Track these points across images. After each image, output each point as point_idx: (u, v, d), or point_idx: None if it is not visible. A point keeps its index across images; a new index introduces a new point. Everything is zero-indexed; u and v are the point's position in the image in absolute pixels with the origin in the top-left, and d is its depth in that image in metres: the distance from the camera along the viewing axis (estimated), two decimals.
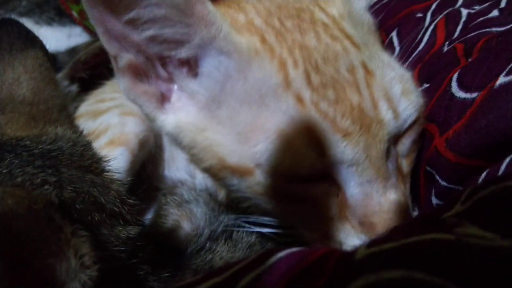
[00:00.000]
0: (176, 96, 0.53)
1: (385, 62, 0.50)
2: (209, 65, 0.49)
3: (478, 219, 0.29)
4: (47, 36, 1.19)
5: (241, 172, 0.49)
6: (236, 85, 0.48)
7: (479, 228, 0.28)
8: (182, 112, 0.52)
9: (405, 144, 0.50)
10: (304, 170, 0.46)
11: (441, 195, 0.49)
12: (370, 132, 0.46)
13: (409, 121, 0.48)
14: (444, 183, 0.48)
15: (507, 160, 0.38)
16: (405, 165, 0.51)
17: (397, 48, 0.69)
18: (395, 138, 0.49)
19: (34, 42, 0.55)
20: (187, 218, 0.64)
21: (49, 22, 1.22)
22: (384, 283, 0.25)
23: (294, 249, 0.32)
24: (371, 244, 0.30)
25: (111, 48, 0.50)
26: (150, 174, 0.78)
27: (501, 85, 0.43)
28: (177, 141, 0.54)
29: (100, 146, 0.73)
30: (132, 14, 0.46)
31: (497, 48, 0.49)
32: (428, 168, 0.50)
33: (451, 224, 0.30)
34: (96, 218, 0.43)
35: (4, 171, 0.41)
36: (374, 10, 0.82)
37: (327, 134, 0.45)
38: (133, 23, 0.47)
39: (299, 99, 0.46)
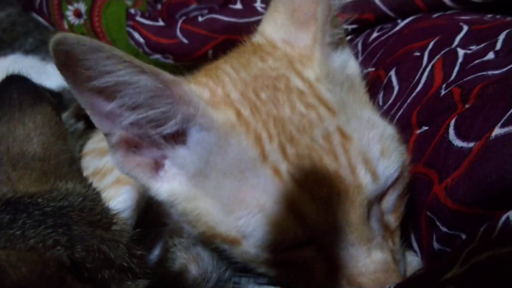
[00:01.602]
0: (169, 164, 0.54)
1: (364, 122, 0.50)
2: (194, 139, 0.51)
3: (473, 286, 0.30)
4: (53, 72, 1.21)
5: (230, 241, 0.51)
6: (217, 159, 0.50)
7: None
8: (174, 181, 0.54)
9: (389, 201, 0.51)
10: (289, 239, 0.48)
11: (442, 240, 0.50)
12: (348, 198, 0.46)
13: (390, 181, 0.49)
14: (445, 229, 0.49)
15: (504, 217, 0.39)
16: (392, 220, 0.52)
17: (396, 88, 0.70)
18: (377, 198, 0.50)
19: (43, 97, 0.57)
20: (195, 262, 0.65)
21: None
22: None
23: None
24: None
25: (103, 127, 0.52)
26: (156, 210, 0.79)
27: (496, 137, 0.44)
28: (171, 208, 0.56)
29: (107, 185, 0.75)
30: (117, 102, 0.49)
31: (493, 97, 0.50)
32: (429, 213, 0.51)
33: None
34: (106, 275, 0.44)
35: (18, 232, 0.42)
36: (373, 47, 0.84)
37: (306, 204, 0.46)
38: (120, 108, 0.50)
39: (276, 172, 0.47)
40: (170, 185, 0.54)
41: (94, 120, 0.52)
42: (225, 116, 0.50)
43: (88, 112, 0.51)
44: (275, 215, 0.47)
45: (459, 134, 0.50)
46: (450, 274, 0.33)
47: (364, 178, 0.47)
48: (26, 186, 0.51)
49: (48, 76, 1.18)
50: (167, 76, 0.48)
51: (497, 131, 0.45)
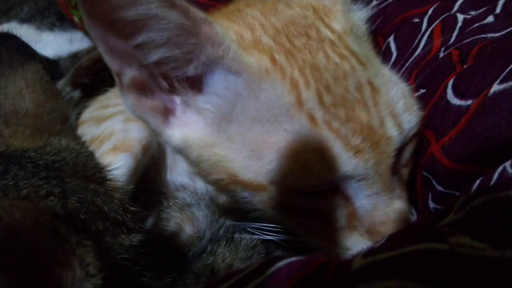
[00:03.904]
0: (181, 110, 0.53)
1: (387, 77, 0.51)
2: (216, 83, 0.50)
3: (470, 229, 0.30)
4: (48, 41, 1.20)
5: (254, 188, 0.50)
6: (246, 104, 0.49)
7: (470, 238, 0.29)
8: (188, 127, 0.53)
9: (406, 154, 0.52)
10: (316, 186, 0.48)
11: (437, 199, 0.50)
12: (379, 148, 0.47)
13: (411, 134, 0.50)
14: (440, 188, 0.49)
15: (500, 169, 0.39)
16: (405, 173, 0.53)
17: (395, 53, 0.70)
18: (399, 151, 0.50)
19: (33, 55, 0.56)
20: (189, 221, 0.65)
21: (51, 27, 1.23)
22: None
23: (293, 258, 0.33)
24: (367, 253, 0.31)
25: (114, 64, 0.50)
26: (153, 179, 0.79)
27: (495, 93, 0.44)
28: (184, 155, 0.54)
29: (104, 152, 0.74)
30: (138, 40, 0.47)
31: (491, 55, 0.49)
32: (424, 173, 0.51)
33: (445, 233, 0.31)
34: (100, 227, 0.44)
35: (10, 183, 0.42)
36: (371, 15, 0.83)
37: (339, 151, 0.46)
38: (139, 47, 0.47)
39: (312, 119, 0.47)
40: (183, 131, 0.53)
41: (106, 57, 0.49)
42: (259, 60, 0.48)
43: (100, 48, 0.48)
44: (307, 161, 0.46)
45: (457, 93, 0.50)
46: (446, 221, 0.33)
47: (393, 130, 0.48)
48: (19, 142, 0.50)
49: (44, 45, 1.17)
50: (198, 13, 0.46)
51: (496, 87, 0.44)
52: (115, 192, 0.49)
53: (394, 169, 0.50)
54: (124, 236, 0.46)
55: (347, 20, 0.53)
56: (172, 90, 0.52)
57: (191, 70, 0.49)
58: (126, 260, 0.46)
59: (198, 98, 0.52)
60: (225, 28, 0.51)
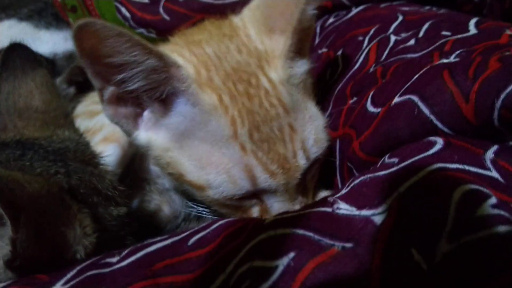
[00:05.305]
0: (148, 117, 0.67)
1: (307, 117, 0.66)
2: (178, 107, 0.64)
3: (349, 198, 0.45)
4: (45, 39, 1.29)
5: (196, 187, 0.66)
6: (198, 128, 0.63)
7: (345, 204, 0.43)
8: (152, 132, 0.67)
9: (312, 172, 0.68)
10: (241, 194, 0.64)
11: None
12: (289, 172, 0.64)
13: (315, 160, 0.66)
14: None
15: (384, 158, 0.53)
16: (310, 183, 0.70)
17: (340, 66, 0.84)
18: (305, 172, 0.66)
19: (40, 62, 0.69)
20: (167, 203, 0.79)
21: (47, 26, 1.33)
22: (277, 236, 0.40)
23: (229, 219, 0.47)
24: (279, 214, 0.45)
25: (98, 83, 0.63)
26: (138, 166, 0.92)
27: (395, 103, 0.58)
28: (146, 152, 0.69)
29: (96, 142, 0.87)
30: (120, 76, 0.60)
31: (400, 73, 0.64)
32: (348, 164, 0.66)
33: (332, 202, 0.45)
34: (94, 200, 0.57)
35: (27, 163, 0.55)
36: (328, 31, 0.97)
37: (260, 173, 0.62)
38: (120, 80, 0.61)
39: (243, 148, 0.62)
40: (148, 134, 0.67)
41: (92, 78, 0.62)
42: (210, 98, 0.62)
43: (88, 72, 0.61)
44: (236, 177, 0.62)
45: (373, 102, 0.64)
46: (338, 194, 0.47)
47: (301, 160, 0.64)
48: (31, 132, 0.64)
49: (41, 42, 1.27)
50: (170, 58, 0.60)
51: (396, 99, 0.58)
52: (106, 174, 0.62)
53: (300, 184, 0.66)
54: (113, 208, 0.60)
55: (285, 72, 0.66)
56: (143, 105, 0.66)
57: (159, 94, 0.63)
58: (114, 226, 0.60)
59: (163, 114, 0.65)
60: (186, 61, 0.65)
